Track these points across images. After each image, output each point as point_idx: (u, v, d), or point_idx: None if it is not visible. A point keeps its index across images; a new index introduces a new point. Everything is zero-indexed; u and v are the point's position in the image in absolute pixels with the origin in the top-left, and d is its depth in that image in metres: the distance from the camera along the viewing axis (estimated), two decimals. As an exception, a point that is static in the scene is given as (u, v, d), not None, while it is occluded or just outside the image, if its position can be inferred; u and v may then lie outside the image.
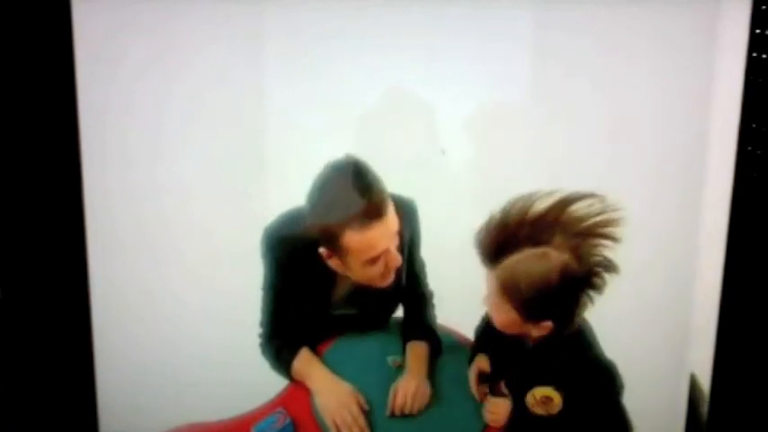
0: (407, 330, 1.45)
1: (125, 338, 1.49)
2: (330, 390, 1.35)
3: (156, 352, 1.54)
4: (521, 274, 1.17)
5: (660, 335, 1.49)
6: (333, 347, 1.45)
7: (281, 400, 1.38)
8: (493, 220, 1.20)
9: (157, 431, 1.37)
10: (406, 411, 1.32)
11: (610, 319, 1.29)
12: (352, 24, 1.47)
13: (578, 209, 1.19)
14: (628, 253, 1.24)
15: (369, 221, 1.24)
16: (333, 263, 1.32)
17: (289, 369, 1.40)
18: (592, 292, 1.20)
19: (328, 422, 1.31)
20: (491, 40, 1.48)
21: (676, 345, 1.48)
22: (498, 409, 1.29)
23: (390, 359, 1.42)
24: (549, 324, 1.20)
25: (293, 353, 1.41)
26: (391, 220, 1.27)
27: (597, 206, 1.19)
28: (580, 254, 1.17)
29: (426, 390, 1.35)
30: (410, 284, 1.45)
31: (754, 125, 1.26)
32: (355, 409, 1.31)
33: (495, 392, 1.32)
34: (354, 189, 1.23)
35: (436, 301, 1.49)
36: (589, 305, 1.21)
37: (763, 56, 1.24)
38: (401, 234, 1.32)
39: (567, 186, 1.21)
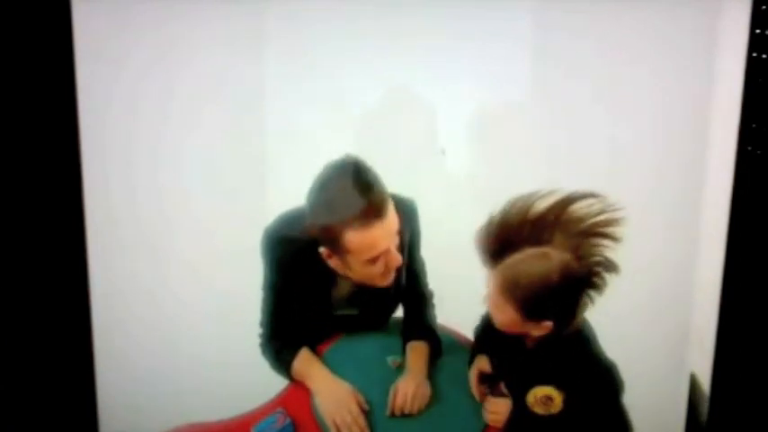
0: (407, 330, 1.45)
1: (125, 338, 1.50)
2: (330, 390, 1.35)
3: (156, 352, 1.54)
4: (521, 273, 1.17)
5: (660, 335, 1.49)
6: (333, 347, 1.45)
7: (281, 400, 1.38)
8: (494, 220, 1.20)
9: (157, 431, 1.37)
10: (406, 411, 1.32)
11: (610, 319, 1.29)
12: (352, 24, 1.47)
13: (579, 208, 1.19)
14: (627, 253, 1.24)
15: (369, 221, 1.24)
16: (333, 263, 1.32)
17: (289, 369, 1.40)
18: (592, 292, 1.20)
19: (328, 422, 1.31)
20: (491, 40, 1.48)
21: (676, 345, 1.48)
22: (498, 408, 1.29)
23: (390, 359, 1.42)
24: (549, 324, 1.20)
25: (293, 353, 1.41)
26: (391, 219, 1.27)
27: (597, 206, 1.19)
28: (580, 254, 1.17)
29: (426, 390, 1.35)
30: (410, 284, 1.45)
31: (754, 125, 1.26)
32: (355, 409, 1.31)
33: (495, 392, 1.32)
34: (354, 189, 1.23)
35: (436, 301, 1.49)
36: (589, 305, 1.21)
37: (763, 56, 1.24)
38: (401, 234, 1.32)
39: (567, 186, 1.21)
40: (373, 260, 1.28)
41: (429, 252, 1.46)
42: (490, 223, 1.20)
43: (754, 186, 1.28)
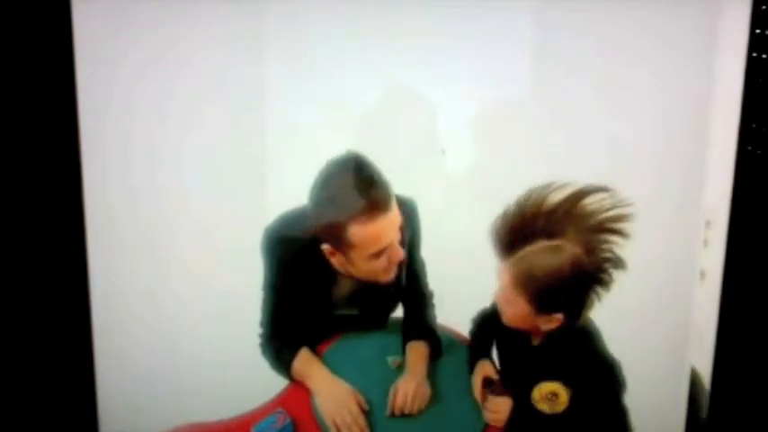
0: (407, 330, 1.45)
1: (125, 338, 1.50)
2: (330, 390, 1.35)
3: (156, 352, 1.54)
4: (535, 266, 1.18)
5: (660, 334, 1.49)
6: (333, 347, 1.45)
7: (281, 400, 1.38)
8: (509, 211, 1.21)
9: (157, 431, 1.37)
10: (406, 411, 1.32)
11: (609, 319, 1.29)
12: (352, 24, 1.47)
13: (590, 203, 1.20)
14: (627, 252, 1.24)
15: (374, 215, 1.24)
16: (336, 260, 1.33)
17: (289, 369, 1.40)
18: (599, 288, 1.21)
19: (328, 422, 1.31)
20: (491, 40, 1.47)
21: (676, 344, 1.48)
22: (499, 408, 1.29)
23: (390, 359, 1.42)
24: (560, 317, 1.21)
25: (293, 353, 1.41)
26: (395, 213, 1.28)
27: (608, 201, 1.20)
28: (590, 248, 1.18)
29: (426, 390, 1.35)
30: (410, 284, 1.46)
31: (754, 125, 1.26)
32: (355, 409, 1.31)
33: (496, 391, 1.32)
34: (358, 183, 1.24)
35: (436, 301, 1.49)
36: (596, 302, 1.22)
37: (763, 56, 1.24)
38: (402, 231, 1.33)
39: (567, 186, 1.21)
40: (377, 255, 1.28)
41: (429, 252, 1.46)
42: (506, 214, 1.21)
43: (754, 186, 1.28)
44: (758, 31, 1.25)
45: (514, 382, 1.30)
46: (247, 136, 1.52)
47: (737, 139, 1.29)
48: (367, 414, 1.32)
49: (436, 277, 1.49)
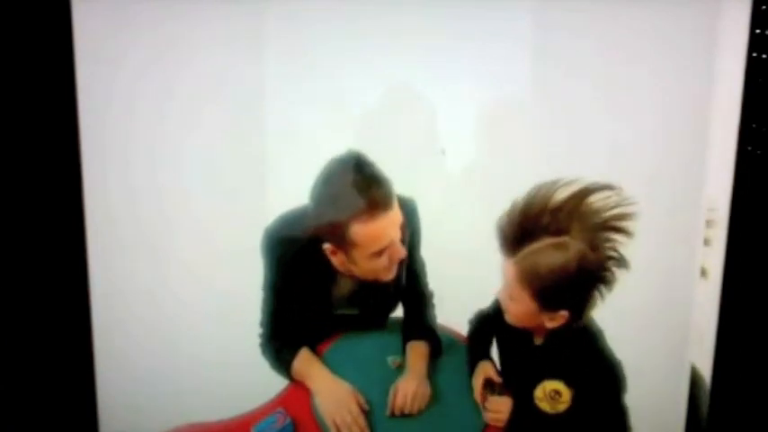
0: (407, 330, 1.45)
1: (125, 338, 1.50)
2: (330, 390, 1.35)
3: (156, 352, 1.54)
4: (540, 262, 1.18)
5: (660, 334, 1.49)
6: (333, 347, 1.45)
7: (281, 400, 1.38)
8: (516, 207, 1.21)
9: (157, 431, 1.37)
10: (406, 411, 1.32)
11: (609, 318, 1.29)
12: (352, 24, 1.47)
13: (595, 201, 1.20)
14: (627, 252, 1.24)
15: (376, 213, 1.24)
16: (337, 259, 1.33)
17: (289, 369, 1.40)
18: (602, 287, 1.22)
19: (328, 422, 1.31)
20: (491, 40, 1.47)
21: (676, 344, 1.48)
22: (500, 407, 1.29)
23: (390, 359, 1.42)
24: (565, 314, 1.21)
25: (293, 353, 1.41)
26: (396, 211, 1.28)
27: (613, 199, 1.20)
28: (594, 246, 1.19)
29: (426, 390, 1.35)
30: (410, 284, 1.46)
31: (754, 125, 1.26)
32: (355, 409, 1.31)
33: (496, 391, 1.32)
34: (359, 182, 1.24)
35: (436, 301, 1.49)
36: (599, 301, 1.23)
37: (763, 56, 1.24)
38: (403, 231, 1.33)
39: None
40: (379, 253, 1.28)
41: (429, 252, 1.46)
42: (512, 211, 1.21)
43: (754, 186, 1.28)
44: (758, 31, 1.25)
45: (516, 381, 1.30)
46: (247, 136, 1.52)
47: (737, 139, 1.29)
48: (367, 414, 1.32)
49: (436, 277, 1.49)
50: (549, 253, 1.18)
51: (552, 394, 1.24)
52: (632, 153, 1.47)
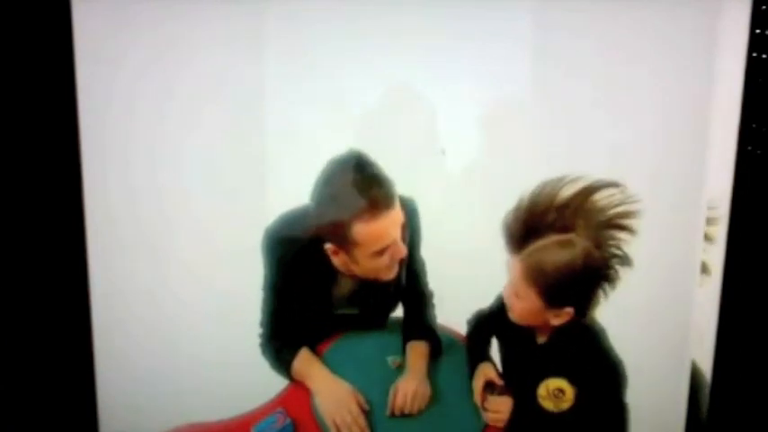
0: (407, 330, 1.45)
1: (125, 338, 1.50)
2: (330, 390, 1.35)
3: (156, 352, 1.54)
4: (546, 260, 1.19)
5: (660, 334, 1.49)
6: (333, 347, 1.45)
7: (281, 400, 1.38)
8: (522, 205, 1.22)
9: (157, 431, 1.37)
10: (406, 411, 1.32)
11: (609, 318, 1.29)
12: (352, 24, 1.47)
13: (600, 198, 1.21)
14: (627, 252, 1.24)
15: (378, 212, 1.25)
16: (338, 259, 1.33)
17: (289, 369, 1.40)
18: (606, 285, 1.22)
19: (328, 422, 1.31)
20: (491, 40, 1.47)
21: (676, 344, 1.48)
22: (500, 407, 1.29)
23: (390, 359, 1.42)
24: (570, 311, 1.21)
25: (293, 353, 1.41)
26: (398, 210, 1.29)
27: (617, 197, 1.21)
28: (599, 244, 1.19)
29: (426, 390, 1.35)
30: (410, 283, 1.46)
31: (754, 125, 1.26)
32: (355, 409, 1.31)
33: (496, 391, 1.32)
34: (361, 182, 1.24)
35: (436, 301, 1.49)
36: (603, 298, 1.23)
37: (763, 56, 1.24)
38: (403, 230, 1.33)
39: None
40: (381, 252, 1.28)
41: (429, 252, 1.46)
42: (518, 208, 1.21)
43: (754, 186, 1.28)
44: (758, 31, 1.25)
45: (518, 380, 1.31)
46: (247, 136, 1.52)
47: (737, 139, 1.29)
48: (367, 414, 1.32)
49: (436, 277, 1.49)
50: (555, 250, 1.18)
51: (556, 392, 1.24)
52: (632, 153, 1.47)
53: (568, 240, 1.19)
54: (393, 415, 1.33)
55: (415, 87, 1.53)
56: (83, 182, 1.36)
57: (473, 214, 1.50)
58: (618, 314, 1.29)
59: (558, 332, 1.25)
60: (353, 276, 1.37)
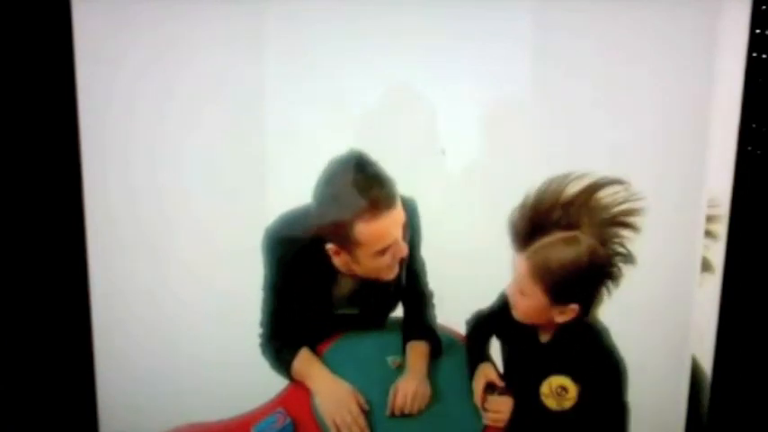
0: (407, 330, 1.45)
1: (125, 338, 1.50)
2: (330, 390, 1.35)
3: (156, 352, 1.54)
4: (552, 257, 1.19)
5: (660, 334, 1.49)
6: (333, 347, 1.45)
7: (281, 400, 1.38)
8: (527, 202, 1.22)
9: (157, 431, 1.37)
10: (406, 411, 1.32)
11: (609, 318, 1.29)
12: (352, 24, 1.47)
13: (605, 196, 1.21)
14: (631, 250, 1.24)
15: (379, 212, 1.25)
16: (340, 259, 1.33)
17: (289, 369, 1.40)
18: (609, 283, 1.22)
19: (328, 422, 1.31)
20: (491, 40, 1.47)
21: (676, 344, 1.48)
22: (500, 407, 1.29)
23: (390, 359, 1.42)
24: (575, 307, 1.22)
25: (293, 353, 1.41)
26: (399, 210, 1.29)
27: (621, 194, 1.22)
28: (603, 241, 1.20)
29: (426, 390, 1.35)
30: (410, 283, 1.46)
31: (754, 125, 1.26)
32: (355, 409, 1.31)
33: (496, 391, 1.32)
34: (362, 181, 1.25)
35: (436, 301, 1.49)
36: (606, 296, 1.23)
37: (763, 56, 1.24)
38: (404, 230, 1.33)
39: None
40: (382, 252, 1.29)
41: (429, 252, 1.46)
42: (524, 205, 1.22)
43: (754, 186, 1.28)
44: (758, 31, 1.25)
45: (519, 379, 1.31)
46: (247, 136, 1.52)
47: (737, 139, 1.29)
48: (367, 414, 1.32)
49: (436, 277, 1.49)
50: (561, 247, 1.19)
51: (559, 390, 1.24)
52: (632, 153, 1.47)
53: (574, 237, 1.19)
54: (393, 415, 1.33)
55: (415, 87, 1.53)
56: (83, 182, 1.36)
57: (473, 214, 1.49)
58: (618, 312, 1.29)
59: (561, 330, 1.25)
60: (354, 276, 1.37)
